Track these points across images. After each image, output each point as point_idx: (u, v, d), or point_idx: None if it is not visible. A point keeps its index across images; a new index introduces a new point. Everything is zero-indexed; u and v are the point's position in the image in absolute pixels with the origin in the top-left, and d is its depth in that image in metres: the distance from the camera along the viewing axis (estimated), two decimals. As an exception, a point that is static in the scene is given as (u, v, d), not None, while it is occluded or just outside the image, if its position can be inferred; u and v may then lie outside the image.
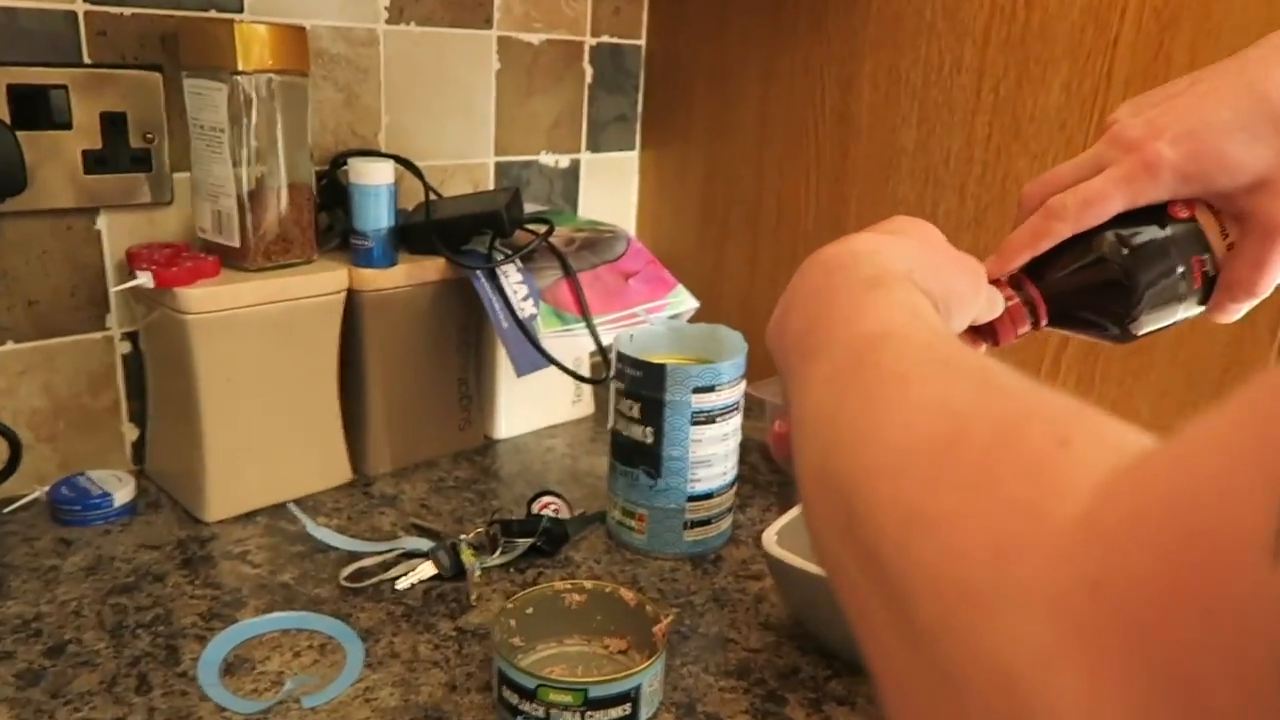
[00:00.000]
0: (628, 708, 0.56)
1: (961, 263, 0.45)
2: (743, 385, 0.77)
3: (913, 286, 0.38)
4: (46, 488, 0.80)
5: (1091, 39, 0.80)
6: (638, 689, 0.56)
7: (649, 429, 0.75)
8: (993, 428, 0.26)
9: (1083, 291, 0.49)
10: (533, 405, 1.01)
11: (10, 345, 0.79)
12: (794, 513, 0.67)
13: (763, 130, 1.08)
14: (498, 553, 0.74)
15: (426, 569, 0.72)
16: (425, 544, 0.74)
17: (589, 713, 0.55)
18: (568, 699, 0.55)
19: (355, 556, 0.73)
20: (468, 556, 0.72)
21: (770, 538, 0.64)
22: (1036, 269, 0.49)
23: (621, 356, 0.76)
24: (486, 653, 0.64)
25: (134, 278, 0.75)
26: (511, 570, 0.74)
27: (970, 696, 0.21)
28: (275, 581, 0.71)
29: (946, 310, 0.41)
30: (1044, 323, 0.50)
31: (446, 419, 0.94)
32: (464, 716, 0.58)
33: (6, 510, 0.78)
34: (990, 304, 0.47)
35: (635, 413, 0.75)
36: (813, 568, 0.61)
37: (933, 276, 0.40)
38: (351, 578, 0.71)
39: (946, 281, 0.42)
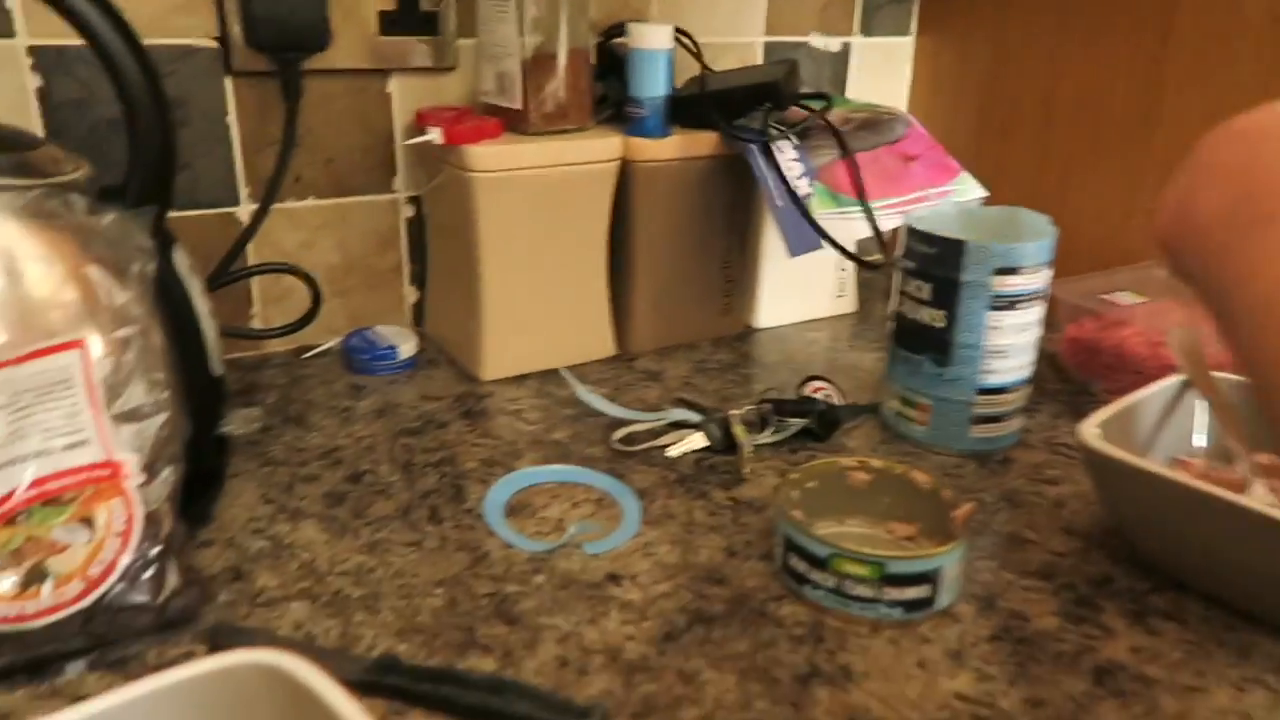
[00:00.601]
0: (927, 589, 0.51)
1: None
2: (1048, 273, 0.69)
3: None
4: (339, 339, 0.85)
5: None
6: (938, 571, 0.51)
7: (940, 312, 0.69)
8: None
9: None
10: (795, 296, 0.96)
11: (312, 200, 0.83)
12: (1114, 408, 0.60)
13: (1061, 7, 0.96)
14: (768, 431, 0.71)
15: (697, 440, 0.70)
16: (693, 417, 0.72)
17: (885, 588, 0.51)
18: (863, 571, 0.51)
19: (623, 423, 0.73)
20: (739, 432, 0.69)
21: (1091, 430, 0.57)
22: None
23: (914, 233, 0.70)
24: (764, 524, 0.61)
25: (423, 135, 0.77)
26: (783, 450, 0.71)
27: None
28: (549, 439, 0.71)
29: None
30: None
31: (709, 302, 0.91)
32: (744, 580, 0.55)
33: (305, 356, 0.83)
34: None
35: (925, 294, 0.69)
36: (1147, 464, 0.54)
37: None
38: (623, 441, 0.71)
39: None
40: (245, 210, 0.80)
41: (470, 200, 0.76)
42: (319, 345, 0.85)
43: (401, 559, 0.57)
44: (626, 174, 0.83)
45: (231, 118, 0.78)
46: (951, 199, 0.88)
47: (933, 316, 0.69)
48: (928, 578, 0.51)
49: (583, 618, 0.52)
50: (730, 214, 0.89)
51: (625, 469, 0.67)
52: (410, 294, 0.90)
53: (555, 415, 0.75)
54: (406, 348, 0.81)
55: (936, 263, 0.68)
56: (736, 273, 0.92)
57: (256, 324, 0.83)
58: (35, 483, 0.45)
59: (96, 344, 0.47)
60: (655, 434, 0.72)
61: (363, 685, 0.46)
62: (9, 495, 0.44)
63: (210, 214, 0.79)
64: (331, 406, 0.75)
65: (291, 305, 0.84)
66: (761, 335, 0.94)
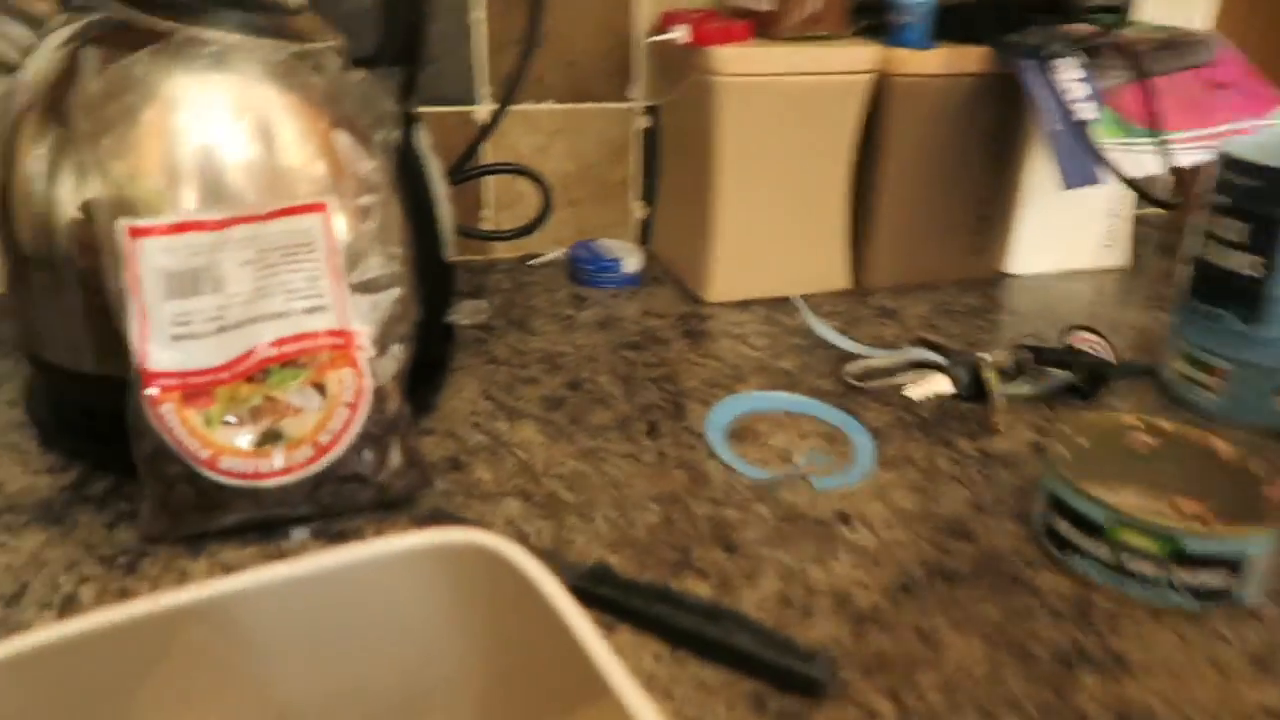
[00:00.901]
0: (1227, 578, 0.43)
1: None
2: (1405, 223, 0.57)
3: None
4: (564, 250, 0.83)
5: None
6: (1244, 558, 0.43)
7: (1258, 259, 0.58)
8: None
9: None
10: (1056, 242, 0.86)
11: (549, 104, 0.81)
12: None
13: None
14: (1024, 382, 0.63)
15: (940, 383, 0.63)
16: (937, 358, 0.65)
17: (1176, 569, 0.43)
18: (1149, 545, 0.43)
19: (857, 358, 0.67)
20: (991, 378, 0.62)
21: None
22: None
23: (1231, 162, 0.59)
24: (1018, 481, 0.54)
25: (668, 34, 0.73)
26: (1038, 404, 0.63)
27: None
28: (776, 366, 0.67)
29: None
30: None
31: (958, 239, 0.83)
32: (994, 539, 0.49)
33: (530, 264, 0.82)
34: None
35: (1239, 236, 0.58)
36: None
37: None
38: (856, 376, 0.65)
39: None
40: (484, 110, 0.79)
41: (711, 108, 0.72)
42: (544, 254, 0.83)
43: (617, 470, 0.54)
44: (881, 89, 0.75)
45: (478, 15, 0.77)
46: (1271, 133, 0.75)
47: (1248, 263, 0.58)
48: (1231, 563, 0.43)
49: (808, 555, 0.48)
50: (992, 142, 0.80)
51: (858, 406, 0.62)
52: (638, 209, 0.87)
53: (782, 343, 0.70)
54: (631, 262, 0.79)
55: (1258, 198, 0.57)
56: (991, 210, 0.83)
57: (486, 227, 0.83)
58: (276, 342, 0.45)
59: (339, 209, 0.46)
60: (891, 372, 0.65)
61: (573, 591, 0.43)
62: (251, 352, 0.44)
63: (449, 111, 0.78)
64: (554, 314, 0.73)
65: (521, 212, 0.83)
66: (1013, 282, 0.84)
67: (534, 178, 0.71)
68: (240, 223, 0.43)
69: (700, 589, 0.45)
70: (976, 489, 0.53)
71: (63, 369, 0.50)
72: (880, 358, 0.66)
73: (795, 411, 0.61)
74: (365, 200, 0.47)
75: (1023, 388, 0.63)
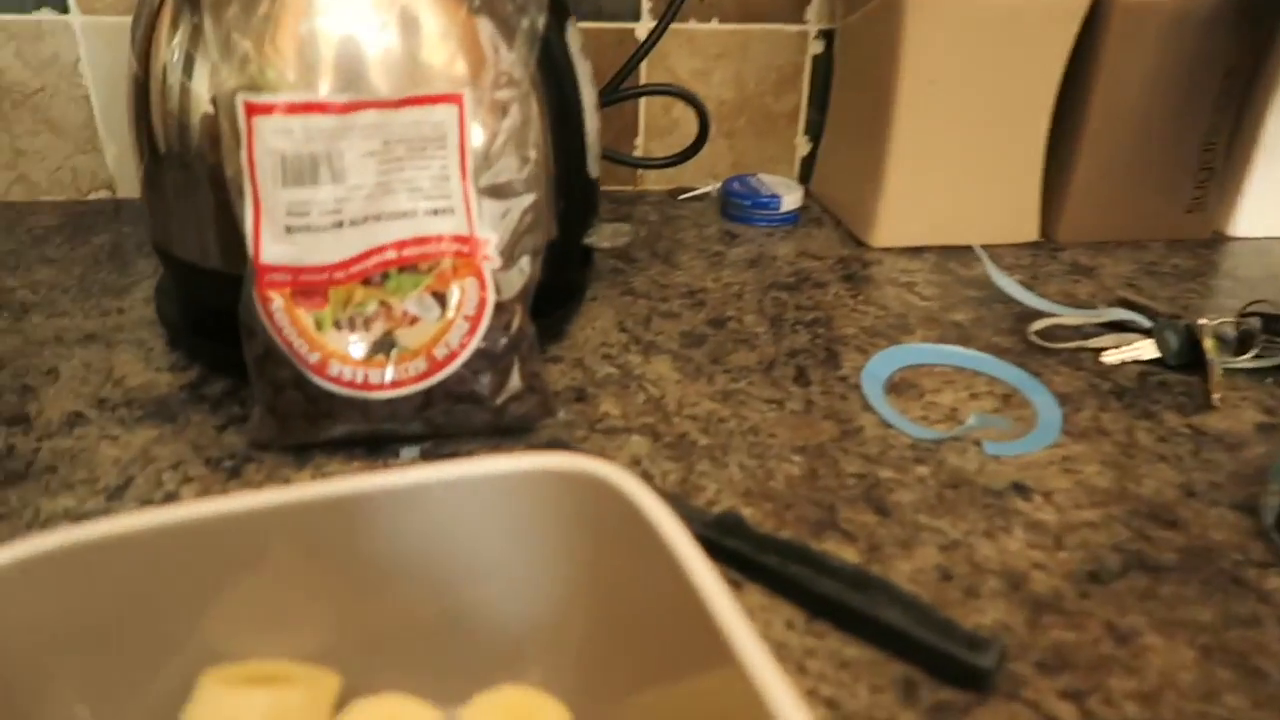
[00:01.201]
0: None
1: None
2: None
3: None
4: (718, 184, 0.77)
5: None
6: None
7: None
8: None
9: None
10: (1293, 201, 0.74)
11: (714, 24, 0.75)
12: None
13: None
14: (1250, 353, 0.54)
15: (1144, 348, 0.54)
16: (1141, 320, 0.56)
17: None
18: None
19: (1043, 315, 0.58)
20: (1210, 346, 0.52)
21: None
22: None
23: None
24: (1240, 466, 0.45)
25: (852, -52, 0.65)
26: (1268, 380, 0.53)
27: None
28: (946, 318, 0.59)
29: None
30: None
31: (1172, 193, 0.72)
32: (1209, 530, 0.41)
33: (681, 198, 0.77)
34: None
35: None
36: None
37: None
38: (1041, 335, 0.56)
39: None
40: (644, 27, 0.74)
41: (898, 31, 0.64)
42: (695, 188, 0.78)
43: (758, 415, 0.48)
44: (1098, 14, 0.65)
45: (643, -74, 0.72)
46: None
47: None
48: None
49: (976, 528, 0.41)
50: (1228, 81, 0.68)
51: (1041, 366, 0.53)
52: (802, 145, 0.80)
53: (955, 294, 0.62)
54: (790, 199, 0.72)
55: None
56: (1217, 161, 0.71)
57: (638, 155, 0.78)
58: (397, 244, 0.41)
59: (474, 103, 0.42)
60: (1084, 333, 0.57)
61: (699, 540, 0.38)
62: (369, 253, 0.41)
63: (608, 28, 0.73)
64: (701, 249, 0.68)
65: (675, 141, 0.77)
66: (1237, 245, 0.72)
67: (692, 102, 0.66)
68: (366, 108, 0.40)
69: (845, 553, 0.39)
70: (1186, 470, 0.45)
71: (190, 265, 0.48)
72: (1071, 316, 0.58)
73: (967, 368, 0.53)
74: (503, 94, 0.43)
75: (1247, 360, 0.53)
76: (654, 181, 0.79)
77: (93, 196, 0.71)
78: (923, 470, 0.44)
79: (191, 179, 0.46)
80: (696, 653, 0.25)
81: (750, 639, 0.23)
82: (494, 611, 0.29)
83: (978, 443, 0.46)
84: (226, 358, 0.47)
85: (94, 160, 0.70)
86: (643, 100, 0.76)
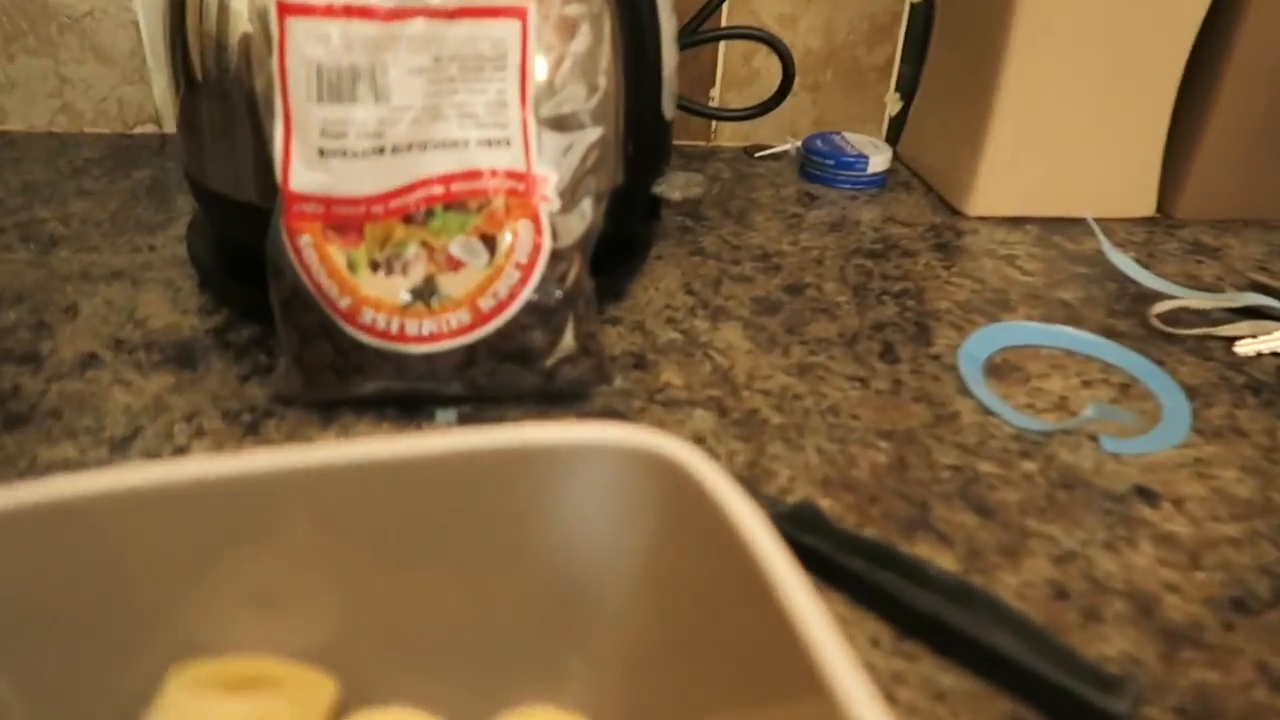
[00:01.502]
0: None
1: None
2: None
3: None
4: (797, 143, 0.71)
5: None
6: None
7: None
8: None
9: None
10: None
11: (803, -35, 0.68)
12: None
13: None
14: None
15: (1285, 340, 0.48)
16: (1278, 307, 0.49)
17: None
18: None
19: (1164, 298, 0.51)
20: (1365, 340, 0.45)
21: None
22: None
23: None
24: None
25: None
26: None
27: None
28: (1052, 295, 0.53)
29: None
30: None
31: (1310, 168, 0.64)
32: (1376, 557, 0.34)
33: (757, 155, 0.71)
34: None
35: None
36: None
37: None
38: (1165, 319, 0.50)
39: None
40: (726, -33, 0.68)
41: (1008, -31, 0.57)
42: (772, 146, 0.72)
43: (839, 393, 0.43)
44: (1242, -40, 0.58)
45: None
46: None
47: None
48: None
49: (1094, 537, 0.35)
50: (1386, 43, 0.60)
51: (1163, 354, 0.47)
52: (893, 102, 0.73)
53: (1062, 270, 0.56)
54: (878, 160, 0.66)
55: None
56: (1366, 135, 0.63)
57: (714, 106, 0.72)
58: (444, 178, 0.37)
59: (540, 19, 0.37)
60: (1212, 320, 0.50)
61: (771, 534, 0.33)
62: (412, 186, 0.36)
63: (687, -32, 0.67)
64: (778, 210, 0.62)
65: (754, 94, 0.71)
66: (1383, 231, 0.65)
67: (777, 49, 0.60)
68: (416, 16, 0.35)
69: (940, 558, 0.34)
70: (1344, 484, 0.38)
71: (224, 198, 0.44)
72: (1198, 299, 0.51)
73: (1078, 351, 0.47)
74: (573, 10, 0.38)
75: None
76: (728, 137, 0.73)
77: (138, 130, 0.68)
78: (1029, 466, 0.39)
79: (228, 105, 0.42)
80: (773, 676, 0.20)
81: (847, 663, 0.18)
82: (529, 612, 0.24)
83: (1093, 437, 0.40)
84: (257, 302, 0.43)
85: (141, 92, 0.67)
86: (722, 47, 0.70)
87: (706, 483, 0.23)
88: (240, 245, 0.46)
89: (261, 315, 0.44)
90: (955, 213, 0.63)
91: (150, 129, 0.68)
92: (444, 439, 0.24)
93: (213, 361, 0.41)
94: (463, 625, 0.24)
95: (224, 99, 0.42)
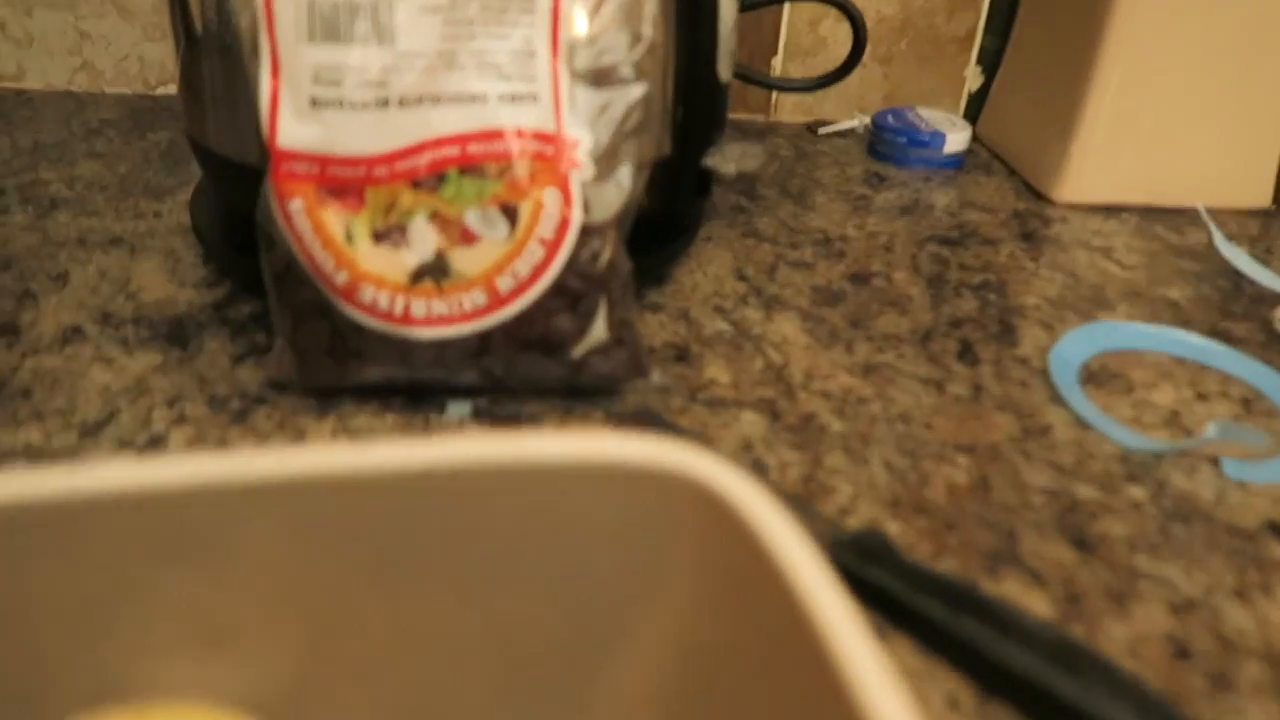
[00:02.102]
0: None
1: None
2: None
3: None
4: (864, 119, 0.65)
5: None
6: None
7: None
8: None
9: None
10: None
11: (878, -77, 0.62)
12: None
13: None
14: None
15: None
16: None
17: None
18: None
19: (1287, 300, 0.45)
20: None
21: None
22: None
23: None
24: None
25: None
26: None
27: None
28: (1155, 293, 0.46)
29: None
30: None
31: None
32: None
33: (821, 130, 0.65)
34: None
35: None
36: None
37: None
38: (1291, 323, 0.43)
39: None
40: (793, -76, 0.62)
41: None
42: (837, 122, 0.66)
43: (910, 398, 0.37)
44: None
45: None
46: None
47: None
48: None
49: (1221, 582, 0.29)
50: None
51: (1292, 366, 0.41)
52: (973, 77, 0.67)
53: (1166, 265, 0.49)
54: (955, 139, 0.60)
55: None
56: None
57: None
58: (459, 137, 0.32)
59: (570, -45, 0.32)
60: (1347, 328, 0.43)
61: (831, 568, 0.28)
62: (422, 146, 0.32)
63: (750, -74, 0.62)
64: (843, 191, 0.56)
65: (819, 64, 0.65)
66: None
67: (849, 13, 0.54)
68: (427, -52, 0.30)
69: (1032, 601, 0.28)
70: None
71: (225, 161, 0.40)
72: (1332, 302, 0.44)
73: (1190, 359, 0.41)
74: (608, -53, 0.33)
75: None
76: (789, 112, 0.67)
77: (160, 91, 0.64)
78: (1138, 492, 0.33)
79: (229, 60, 0.37)
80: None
81: None
82: (542, 650, 0.19)
83: (1213, 461, 0.34)
84: (260, 275, 0.39)
85: (163, 50, 0.63)
86: (786, 10, 0.64)
87: (746, 510, 0.18)
88: (243, 213, 0.41)
89: (265, 290, 0.39)
90: (1041, 199, 0.57)
91: (172, 89, 0.64)
92: (431, 449, 0.19)
93: (205, 340, 0.37)
94: (455, 668, 0.20)
95: (225, 54, 0.37)
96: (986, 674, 0.25)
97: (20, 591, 0.18)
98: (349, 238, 0.31)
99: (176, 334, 0.38)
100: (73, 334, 0.37)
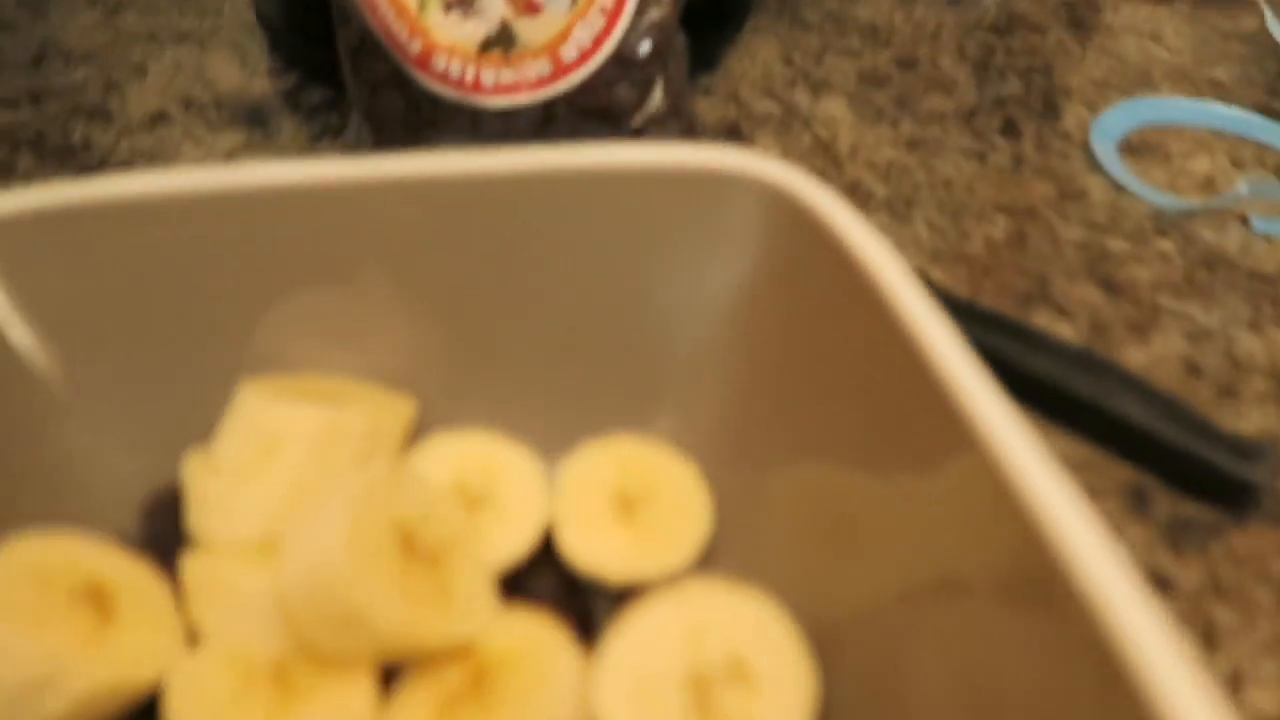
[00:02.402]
0: None
1: None
2: None
3: None
4: (913, -87, 0.64)
5: None
6: None
7: None
8: None
9: None
10: None
11: None
12: None
13: None
14: None
15: None
16: None
17: None
18: None
19: (1334, 78, 0.45)
20: None
21: None
22: None
23: None
24: None
25: None
26: None
27: None
28: (1201, 74, 0.47)
29: None
30: None
31: None
32: None
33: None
34: None
35: None
36: None
37: None
38: (1334, 97, 0.44)
39: None
40: None
41: None
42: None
43: (952, 167, 0.39)
44: None
45: None
46: None
47: None
48: None
49: (1236, 316, 0.31)
50: None
51: (1330, 137, 0.42)
52: None
53: (1214, 48, 0.49)
54: (1006, -71, 0.58)
55: None
56: None
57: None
58: (516, -95, 0.33)
59: None
60: (1391, 102, 0.44)
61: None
62: (484, -86, 0.33)
63: None
64: (889, -16, 0.56)
65: None
66: None
67: None
68: None
69: (1060, 330, 0.31)
70: None
71: (290, -52, 0.41)
72: (1378, 76, 0.45)
73: (1230, 131, 0.42)
74: None
75: None
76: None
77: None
78: (1166, 245, 0.35)
79: None
80: (910, 431, 0.18)
81: (1006, 415, 0.15)
82: (619, 339, 0.22)
83: (1244, 219, 0.36)
84: (328, 62, 0.41)
85: None
86: None
87: (828, 217, 0.20)
88: (311, 2, 0.43)
89: (333, 78, 0.41)
90: (1091, -12, 0.56)
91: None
92: (527, 157, 0.22)
93: (283, 122, 0.40)
94: (548, 355, 0.23)
95: None
96: (1019, 384, 0.28)
97: (190, 272, 0.21)
98: (422, 7, 0.33)
99: (255, 116, 0.40)
100: (160, 117, 0.40)
